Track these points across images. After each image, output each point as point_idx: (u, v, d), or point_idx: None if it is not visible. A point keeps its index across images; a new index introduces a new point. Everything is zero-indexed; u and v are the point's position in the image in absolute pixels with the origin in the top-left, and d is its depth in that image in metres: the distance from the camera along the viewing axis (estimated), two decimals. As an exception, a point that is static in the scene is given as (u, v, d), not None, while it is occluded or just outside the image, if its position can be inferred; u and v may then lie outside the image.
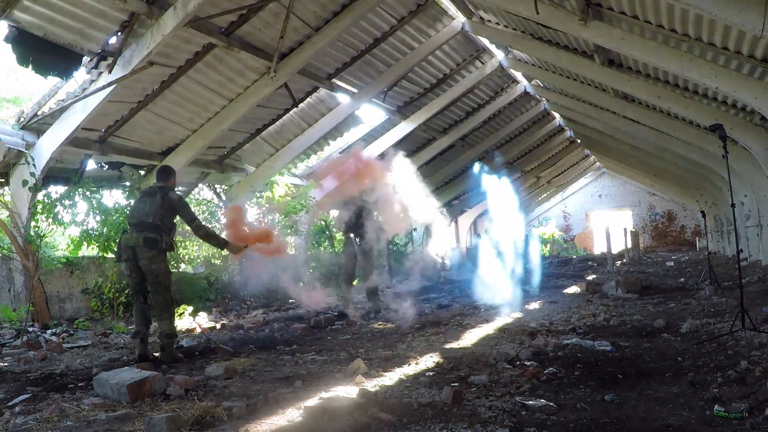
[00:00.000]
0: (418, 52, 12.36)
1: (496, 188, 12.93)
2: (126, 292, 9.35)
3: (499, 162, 19.80)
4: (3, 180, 8.88)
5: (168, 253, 5.95)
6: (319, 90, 12.08)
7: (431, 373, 4.72)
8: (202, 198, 13.18)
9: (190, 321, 8.88)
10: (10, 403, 4.22)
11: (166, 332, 5.77)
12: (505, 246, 10.98)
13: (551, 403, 3.73)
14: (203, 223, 5.95)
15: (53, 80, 8.33)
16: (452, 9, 11.70)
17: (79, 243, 9.69)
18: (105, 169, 10.26)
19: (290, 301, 11.40)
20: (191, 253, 12.04)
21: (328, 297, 10.25)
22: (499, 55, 14.09)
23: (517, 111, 18.30)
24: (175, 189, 6.24)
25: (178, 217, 6.08)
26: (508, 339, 6.19)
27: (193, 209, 6.03)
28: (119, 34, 7.88)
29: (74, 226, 9.66)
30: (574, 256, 24.01)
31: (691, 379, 4.22)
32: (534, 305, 9.15)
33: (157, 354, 5.88)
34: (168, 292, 5.87)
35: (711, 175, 15.64)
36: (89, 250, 10.12)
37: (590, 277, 14.18)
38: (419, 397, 3.93)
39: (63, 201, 9.32)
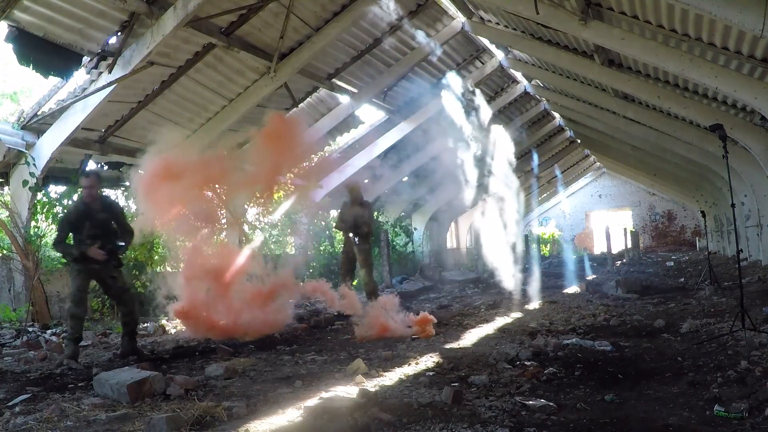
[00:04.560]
0: (418, 52, 12.36)
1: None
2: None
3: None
4: (3, 180, 8.87)
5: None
6: (319, 90, 12.07)
7: (431, 373, 4.72)
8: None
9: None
10: (10, 403, 4.22)
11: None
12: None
13: (551, 403, 3.72)
14: None
15: (53, 80, 8.34)
16: (452, 9, 11.69)
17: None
18: (105, 169, 10.26)
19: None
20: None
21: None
22: (499, 55, 14.09)
23: (517, 111, 18.29)
24: None
25: None
26: (508, 339, 6.19)
27: None
28: (119, 34, 7.88)
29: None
30: (574, 256, 23.96)
31: (691, 379, 4.22)
32: (534, 305, 9.16)
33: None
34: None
35: (711, 175, 15.63)
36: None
37: (590, 277, 14.18)
38: (419, 397, 3.93)
39: (63, 201, 9.30)
